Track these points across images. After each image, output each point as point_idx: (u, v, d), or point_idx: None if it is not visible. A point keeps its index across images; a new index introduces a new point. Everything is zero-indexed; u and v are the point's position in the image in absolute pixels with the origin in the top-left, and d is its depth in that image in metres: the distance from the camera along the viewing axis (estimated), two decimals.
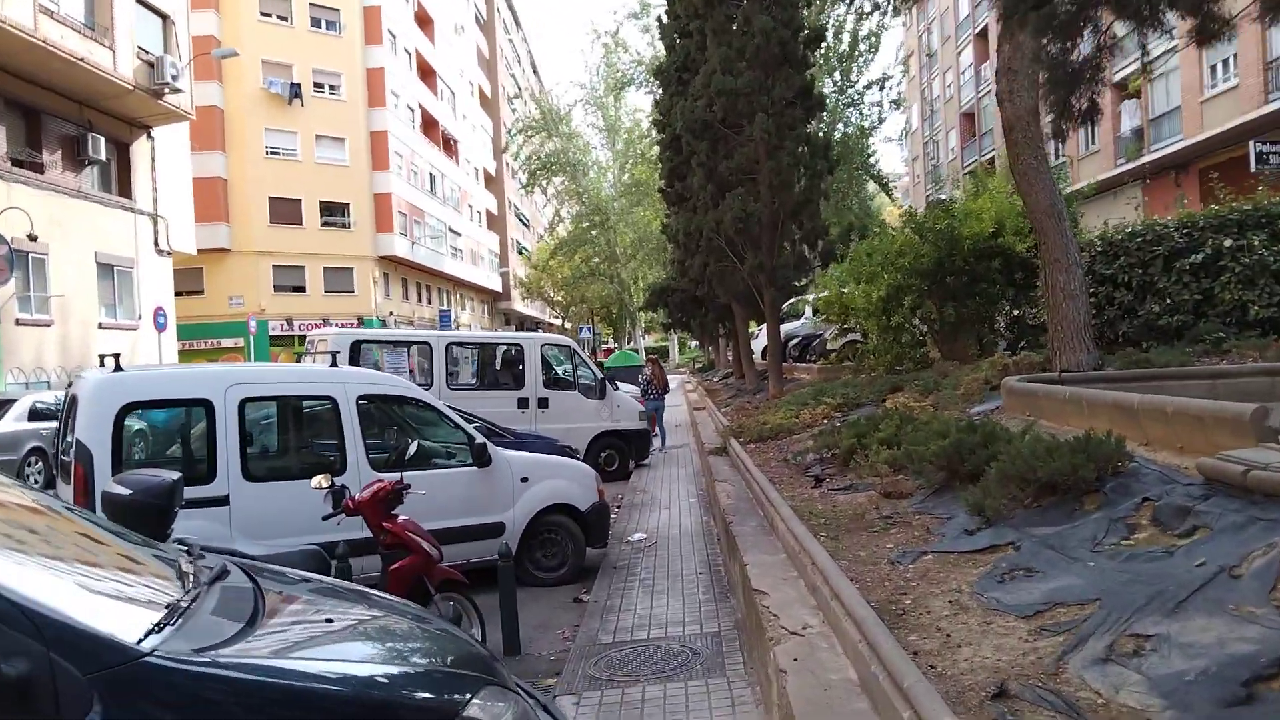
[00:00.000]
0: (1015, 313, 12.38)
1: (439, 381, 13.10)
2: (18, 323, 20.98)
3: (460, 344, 14.50)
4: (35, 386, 20.92)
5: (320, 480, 6.03)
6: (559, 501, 8.16)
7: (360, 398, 7.35)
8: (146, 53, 24.46)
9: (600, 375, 14.65)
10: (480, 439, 7.75)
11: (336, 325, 35.26)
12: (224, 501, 6.72)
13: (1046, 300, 8.69)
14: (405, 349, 13.66)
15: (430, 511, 7.47)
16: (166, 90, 24.93)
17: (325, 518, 5.90)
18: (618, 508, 11.81)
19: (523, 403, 13.71)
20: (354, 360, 12.76)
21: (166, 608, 2.41)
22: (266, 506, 6.82)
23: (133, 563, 2.90)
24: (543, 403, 13.83)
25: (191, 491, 6.63)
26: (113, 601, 2.44)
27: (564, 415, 14.00)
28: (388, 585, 5.64)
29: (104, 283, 24.59)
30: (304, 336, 25.45)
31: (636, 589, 7.37)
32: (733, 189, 15.57)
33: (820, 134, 15.67)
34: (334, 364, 7.61)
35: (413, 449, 6.21)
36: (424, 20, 52.24)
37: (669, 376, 22.11)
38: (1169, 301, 8.72)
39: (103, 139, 23.95)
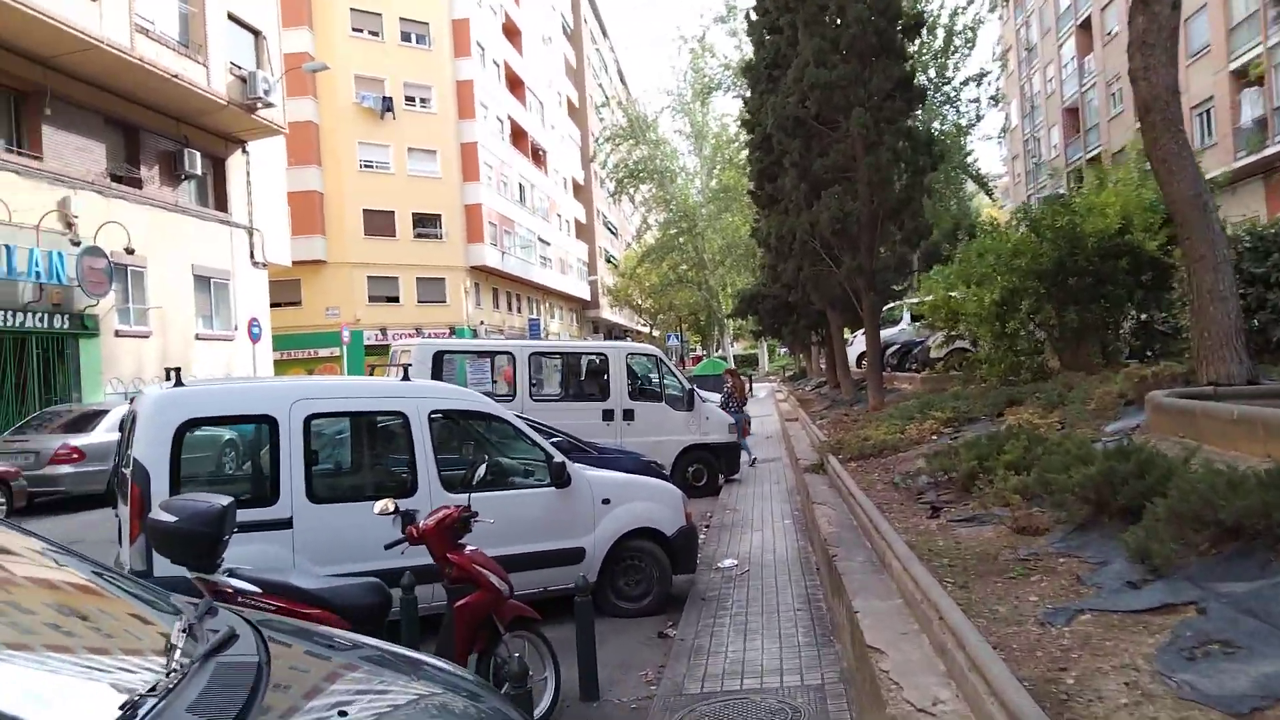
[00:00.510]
0: (1142, 317, 11.24)
1: (522, 393, 12.66)
2: (117, 334, 21.49)
3: (544, 354, 14.04)
4: (134, 396, 21.34)
5: (385, 505, 5.54)
6: (643, 525, 7.54)
7: (433, 413, 6.86)
8: (239, 68, 24.91)
9: (688, 386, 13.99)
10: (559, 457, 7.17)
11: (427, 335, 35.49)
12: (287, 524, 6.30)
13: (1190, 303, 7.68)
14: (488, 359, 13.26)
15: (505, 536, 6.95)
16: (259, 105, 25.35)
17: (388, 546, 5.40)
18: (706, 527, 11.13)
19: (608, 415, 13.16)
20: (436, 372, 12.42)
21: (121, 709, 1.86)
22: (332, 530, 6.38)
23: (114, 635, 2.38)
24: (628, 415, 13.25)
25: (253, 514, 6.25)
26: (63, 701, 1.91)
27: (650, 428, 13.39)
28: (453, 624, 5.10)
29: (201, 294, 25.12)
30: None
31: (728, 625, 6.68)
32: (828, 188, 14.74)
33: (921, 127, 14.72)
34: (405, 377, 7.14)
35: (480, 471, 5.64)
36: (512, 32, 52.59)
37: (756, 385, 21.30)
38: None
39: (198, 154, 24.47)
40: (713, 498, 13.47)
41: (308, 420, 6.40)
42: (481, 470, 5.60)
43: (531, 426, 10.44)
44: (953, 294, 12.58)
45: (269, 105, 25.72)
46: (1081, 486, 4.85)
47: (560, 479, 7.09)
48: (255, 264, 28.16)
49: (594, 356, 13.69)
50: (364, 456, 7.27)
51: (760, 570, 8.36)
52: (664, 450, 13.44)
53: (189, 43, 23.26)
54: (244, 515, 6.23)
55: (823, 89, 14.38)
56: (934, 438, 10.10)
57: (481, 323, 45.46)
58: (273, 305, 41.37)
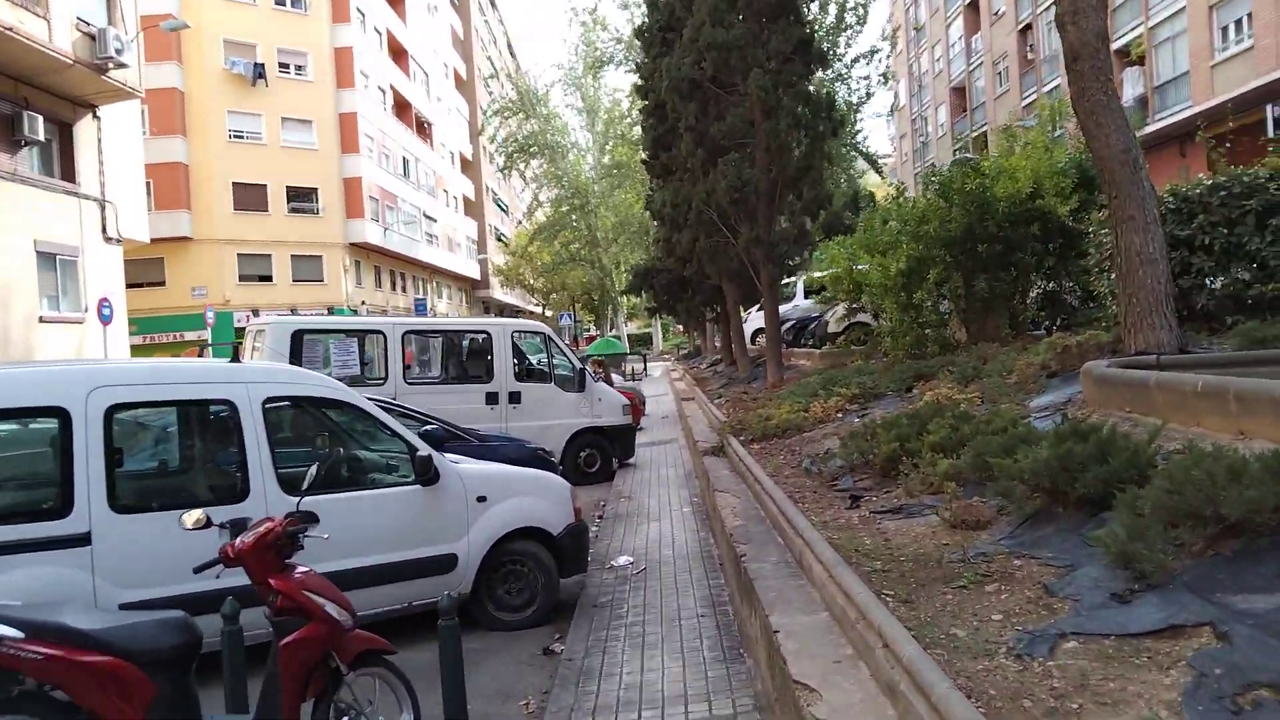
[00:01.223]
0: (1049, 286, 10.83)
1: (394, 375, 11.47)
2: None
3: (419, 332, 12.87)
4: None
5: (196, 516, 4.42)
6: (526, 525, 6.58)
7: (268, 401, 5.73)
8: (87, 24, 22.51)
9: (579, 365, 13.03)
10: (424, 450, 6.13)
11: (307, 315, 33.46)
12: (84, 541, 5.10)
13: (1116, 267, 7.14)
14: (355, 339, 11.95)
15: (360, 544, 5.91)
16: (111, 65, 22.99)
17: (198, 569, 4.29)
18: (599, 518, 10.26)
19: (491, 398, 12.09)
20: (295, 354, 11.10)
21: None
22: (143, 546, 5.22)
23: None
24: (514, 397, 12.21)
25: (37, 529, 5.03)
26: None
27: (538, 411, 12.39)
28: (279, 667, 4.05)
29: (45, 273, 22.71)
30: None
31: (623, 639, 5.79)
32: (725, 155, 13.95)
33: (823, 91, 14.08)
34: (235, 358, 5.97)
35: (313, 471, 4.56)
36: None
37: (651, 364, 20.50)
38: (1262, 267, 7.19)
39: (41, 118, 22.01)
40: (606, 484, 12.60)
41: (110, 412, 5.20)
42: (314, 471, 4.52)
43: (403, 413, 9.38)
44: (857, 265, 11.94)
45: (122, 66, 23.37)
46: (1032, 472, 4.12)
47: (426, 475, 6.05)
48: (108, 239, 25.75)
49: (476, 335, 12.56)
50: (183, 455, 6.07)
51: (659, 568, 7.51)
52: (553, 435, 12.49)
53: None
54: (24, 531, 5.05)
55: (719, 49, 13.56)
56: (839, 416, 9.45)
57: (363, 302, 43.41)
58: (133, 285, 38.44)
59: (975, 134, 45.23)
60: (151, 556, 5.20)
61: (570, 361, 13.02)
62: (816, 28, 27.85)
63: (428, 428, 8.81)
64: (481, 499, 6.40)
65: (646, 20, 18.73)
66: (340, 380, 12.08)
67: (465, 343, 12.69)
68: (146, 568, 5.20)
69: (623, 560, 7.85)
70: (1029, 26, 39.25)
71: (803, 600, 4.26)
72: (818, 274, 13.65)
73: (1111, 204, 7.15)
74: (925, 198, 10.92)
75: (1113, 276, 8.18)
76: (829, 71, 29.73)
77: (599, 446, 13.11)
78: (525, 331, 12.98)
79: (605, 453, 13.19)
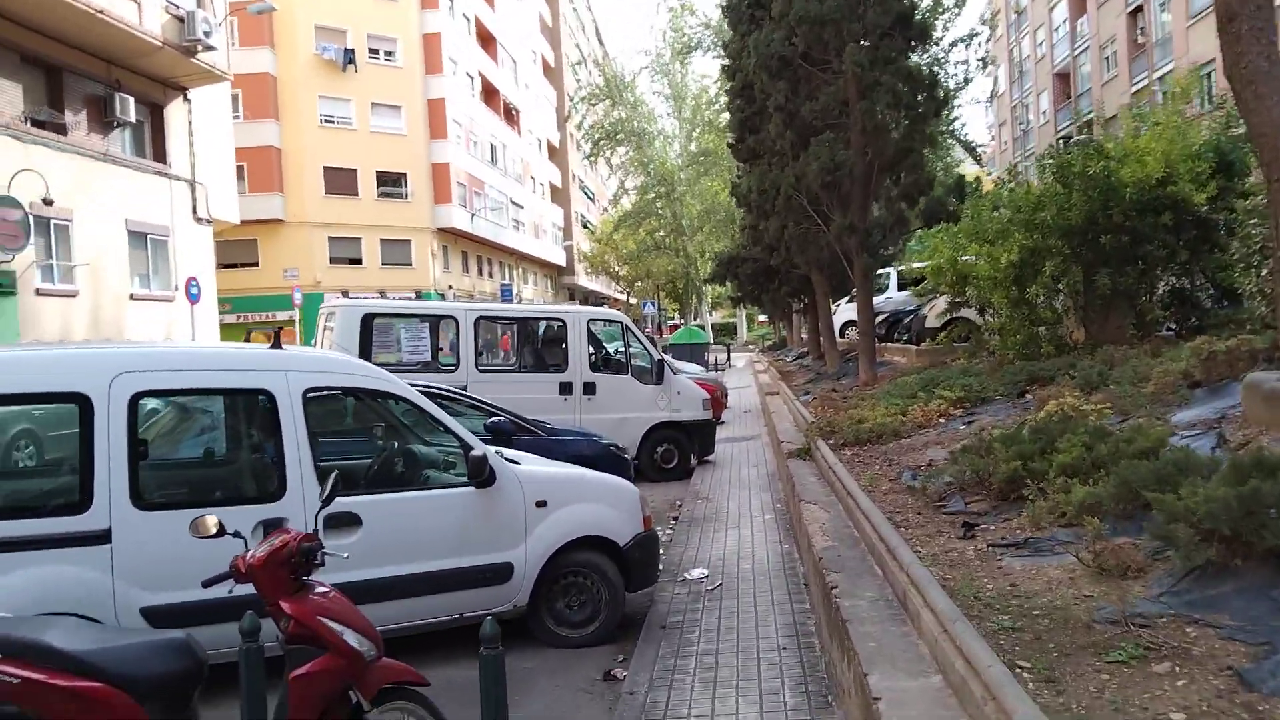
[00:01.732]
0: (1179, 283, 9.71)
1: (466, 363, 11.02)
2: (38, 293, 19.53)
3: (492, 319, 12.36)
4: None
5: (206, 523, 3.91)
6: (590, 534, 5.96)
7: (309, 391, 5.23)
8: (176, 7, 22.74)
9: (658, 356, 12.36)
10: (479, 449, 5.55)
11: (394, 299, 33.67)
12: (103, 538, 4.68)
13: (1276, 261, 6.14)
14: (428, 324, 11.52)
15: (405, 549, 5.39)
16: (199, 48, 23.22)
17: (207, 583, 3.78)
18: (674, 519, 9.60)
19: (565, 388, 11.54)
20: (366, 338, 10.74)
21: None
22: (168, 546, 4.77)
23: None
24: (588, 388, 11.63)
25: (54, 524, 4.63)
26: None
27: (614, 403, 11.80)
28: (290, 702, 3.52)
29: (136, 252, 23.11)
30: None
31: (693, 670, 5.13)
32: (817, 136, 13.08)
33: (923, 69, 13.07)
34: (276, 344, 5.48)
35: (330, 482, 4.02)
36: None
37: (734, 354, 19.70)
38: None
39: (132, 100, 22.35)
40: (683, 482, 11.93)
41: (134, 399, 4.76)
42: (332, 481, 3.98)
43: (471, 404, 8.88)
44: (962, 255, 10.92)
45: (210, 49, 23.59)
46: (1206, 514, 3.30)
47: (480, 476, 5.48)
48: (198, 220, 26.12)
49: (550, 322, 12.03)
50: (215, 448, 5.63)
51: (736, 584, 6.81)
52: (629, 429, 11.88)
53: None
54: (39, 527, 4.66)
55: (812, 24, 12.69)
56: (942, 422, 8.58)
57: (450, 287, 43.57)
58: (228, 266, 39.61)
59: (1084, 121, 42.90)
60: (176, 558, 4.74)
61: (648, 352, 12.37)
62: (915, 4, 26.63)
63: (494, 419, 8.30)
64: (541, 504, 5.80)
65: None
66: (412, 366, 11.83)
67: (540, 330, 12.17)
68: (171, 570, 4.76)
69: (697, 573, 7.18)
70: (1139, 8, 36.92)
71: (909, 656, 3.52)
72: (917, 264, 12.66)
73: (1271, 188, 6.14)
74: (1041, 182, 9.88)
75: (1265, 273, 7.15)
76: (926, 55, 28.38)
77: (677, 442, 12.43)
78: (602, 320, 12.40)
79: (683, 449, 12.50)
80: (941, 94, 13.26)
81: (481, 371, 11.12)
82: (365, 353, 10.67)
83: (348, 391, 5.65)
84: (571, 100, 58.27)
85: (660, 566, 7.20)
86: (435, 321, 11.49)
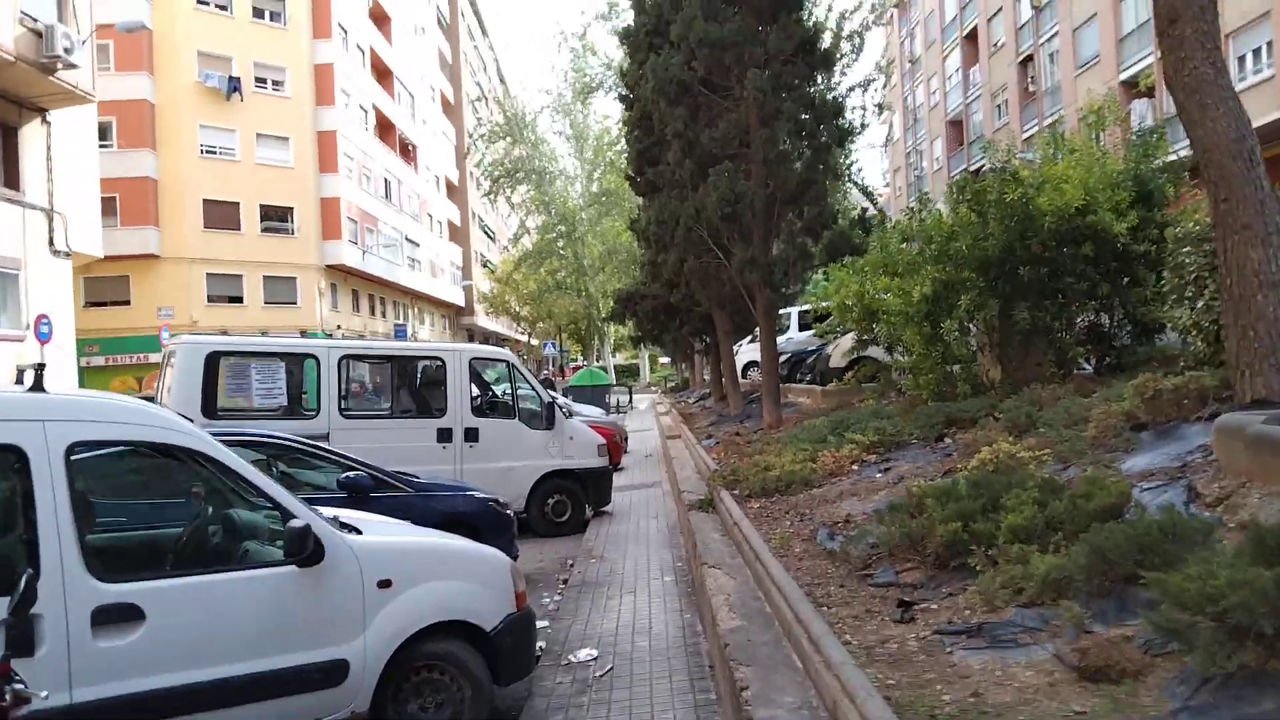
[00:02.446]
0: (1097, 318, 9.23)
1: (329, 407, 9.74)
2: None
3: (360, 357, 11.14)
4: None
5: None
6: (448, 618, 4.87)
7: (75, 447, 4.04)
8: (33, 20, 20.90)
9: (548, 398, 11.30)
10: (301, 519, 4.41)
11: (278, 339, 31.70)
12: None
13: (1225, 290, 5.54)
14: (283, 364, 10.21)
15: (203, 648, 4.19)
16: (59, 65, 21.34)
17: None
18: (563, 583, 8.54)
19: (444, 435, 10.37)
20: (210, 381, 9.39)
21: None
22: None
23: None
24: (471, 434, 10.49)
25: None
26: None
27: (499, 451, 10.67)
28: None
29: None
30: None
31: None
32: (717, 165, 12.37)
33: (829, 96, 12.57)
34: (37, 383, 4.26)
35: (24, 585, 2.86)
36: (380, 18, 48.93)
37: (636, 396, 18.82)
38: None
39: None
40: (576, 537, 10.87)
41: None
42: (23, 587, 2.83)
43: (322, 456, 7.68)
44: (871, 290, 10.19)
45: (71, 66, 21.71)
46: (1238, 604, 2.47)
47: (302, 553, 4.34)
48: (55, 252, 23.95)
49: (428, 361, 10.84)
50: None
51: (630, 668, 5.77)
52: (516, 479, 10.79)
53: None
54: None
55: (712, 47, 12.05)
56: (855, 468, 7.80)
57: (339, 326, 41.63)
58: (96, 304, 37.01)
59: (974, 168, 44.10)
60: None
61: (538, 393, 11.30)
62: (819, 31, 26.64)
63: (348, 475, 7.13)
64: (385, 583, 4.68)
65: (633, 23, 17.26)
66: (267, 411, 10.46)
67: (415, 370, 10.97)
68: None
69: (584, 654, 6.12)
70: (1030, 58, 38.22)
71: None
72: (824, 301, 12.00)
73: (1218, 209, 5.56)
74: (954, 212, 9.32)
75: (1200, 305, 6.60)
76: (829, 86, 28.44)
77: (570, 492, 11.36)
78: (486, 358, 11.30)
79: (577, 500, 11.44)
80: (845, 125, 12.74)
81: (347, 417, 9.86)
82: (209, 397, 9.34)
83: (131, 446, 4.45)
84: (471, 137, 57.20)
85: (542, 646, 6.15)
86: (294, 361, 10.19)
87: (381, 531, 5.17)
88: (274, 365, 10.12)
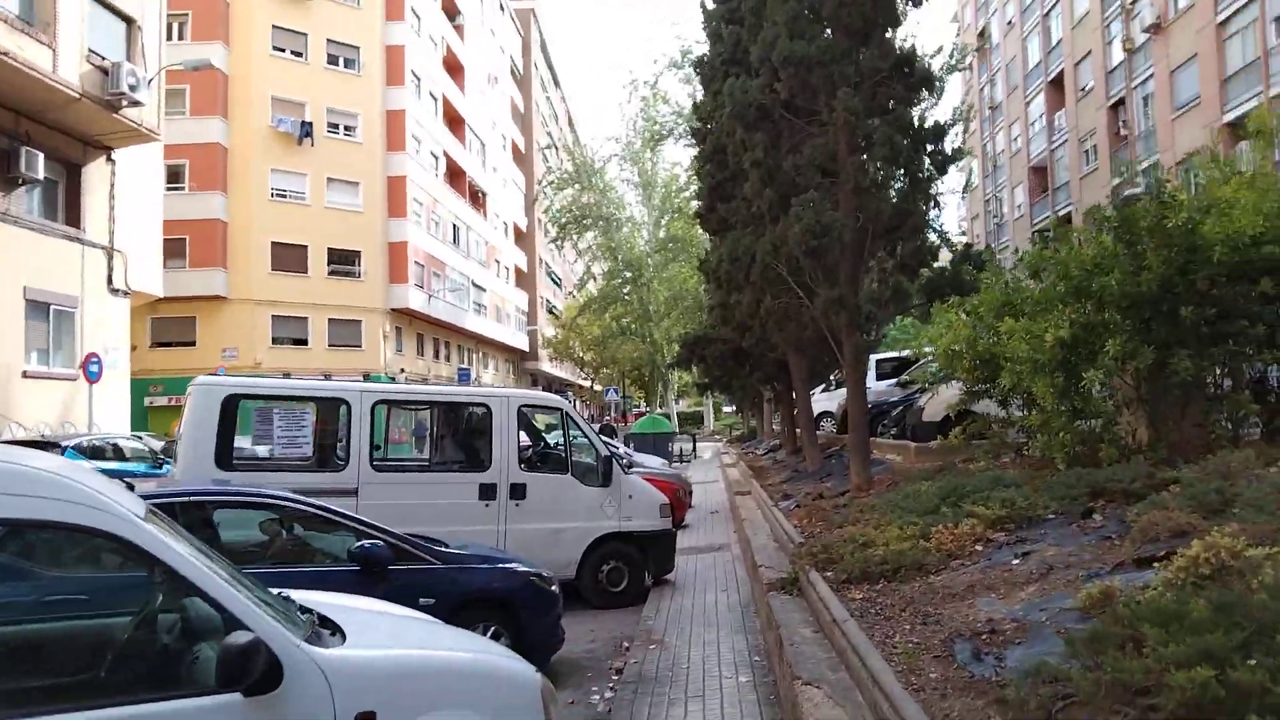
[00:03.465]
0: (1265, 371, 7.62)
1: (358, 459, 8.58)
2: None
3: (395, 402, 10.01)
4: None
5: None
6: None
7: None
8: (100, 57, 20.78)
9: (607, 451, 9.97)
10: (248, 633, 3.13)
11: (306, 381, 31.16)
12: None
13: None
14: (311, 408, 9.09)
15: None
16: (124, 102, 21.16)
17: None
18: (617, 674, 7.16)
19: (487, 491, 9.11)
20: (227, 428, 8.33)
21: None
22: None
23: None
24: (517, 491, 9.22)
25: None
26: None
27: (548, 511, 9.38)
28: None
29: (35, 323, 20.61)
30: None
31: None
32: (800, 196, 11.08)
33: (926, 120, 11.23)
34: None
35: None
36: (453, 67, 49.25)
37: (700, 444, 17.39)
38: None
39: (41, 155, 20.12)
40: (634, 610, 9.46)
41: None
42: None
43: (343, 518, 6.47)
44: (989, 334, 8.61)
45: (136, 104, 21.51)
46: None
47: (245, 680, 3.06)
48: (114, 291, 23.67)
49: (472, 408, 9.63)
50: None
51: None
52: (567, 542, 9.49)
53: (34, 19, 19.19)
54: None
55: (798, 65, 10.81)
56: (979, 549, 6.30)
57: (402, 370, 41.18)
58: (162, 345, 37.13)
59: (1061, 213, 42.10)
60: None
61: (594, 445, 9.98)
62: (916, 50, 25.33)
63: (362, 544, 5.90)
64: (366, 716, 3.39)
65: (708, 52, 16.21)
66: (290, 463, 9.35)
67: (457, 418, 9.78)
68: None
69: None
70: (1120, 101, 36.34)
71: None
72: (926, 346, 10.51)
73: None
74: (1094, 242, 7.79)
75: None
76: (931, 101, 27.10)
77: (628, 558, 9.95)
78: (536, 405, 10.07)
79: (636, 566, 10.02)
80: (947, 152, 11.36)
81: (378, 470, 8.68)
82: (224, 445, 8.27)
83: (39, 527, 3.22)
84: (540, 184, 57.11)
85: None
86: (323, 405, 9.08)
87: (373, 636, 3.88)
88: (300, 410, 8.98)
